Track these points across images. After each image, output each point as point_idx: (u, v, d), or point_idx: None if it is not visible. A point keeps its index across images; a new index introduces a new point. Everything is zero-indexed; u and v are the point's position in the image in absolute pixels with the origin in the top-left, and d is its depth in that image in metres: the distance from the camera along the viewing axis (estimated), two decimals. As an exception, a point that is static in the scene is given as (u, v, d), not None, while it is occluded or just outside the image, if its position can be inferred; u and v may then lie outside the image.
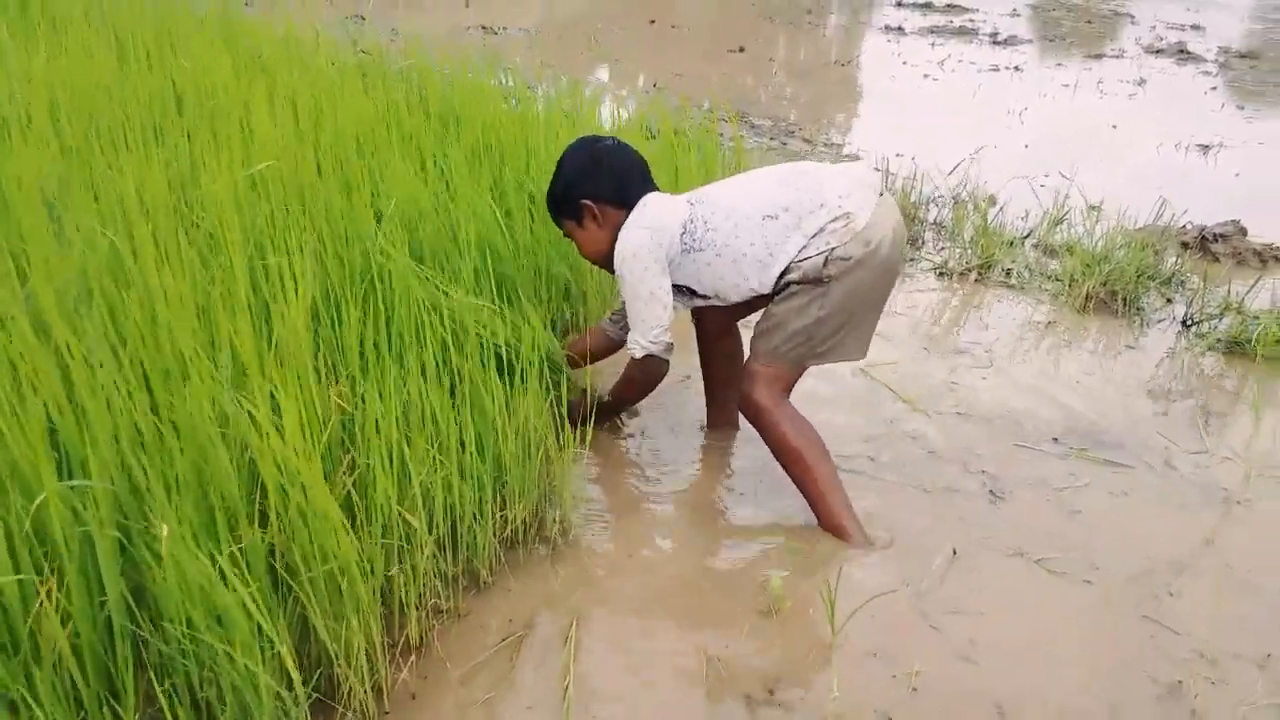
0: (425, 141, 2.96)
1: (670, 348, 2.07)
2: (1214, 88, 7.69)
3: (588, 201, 2.03)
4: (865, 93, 7.18)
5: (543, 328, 2.13)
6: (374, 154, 2.74)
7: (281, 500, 1.41)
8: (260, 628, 1.31)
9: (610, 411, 2.32)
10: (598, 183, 2.03)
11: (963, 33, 9.96)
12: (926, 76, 7.59)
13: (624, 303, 2.06)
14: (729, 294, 2.02)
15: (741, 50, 8.01)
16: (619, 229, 2.03)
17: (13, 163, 2.23)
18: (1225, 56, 9.06)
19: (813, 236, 1.89)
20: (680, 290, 2.07)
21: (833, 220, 1.89)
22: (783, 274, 1.93)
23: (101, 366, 1.44)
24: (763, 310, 2.04)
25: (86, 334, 1.52)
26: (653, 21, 9.19)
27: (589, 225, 2.06)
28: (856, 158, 5.12)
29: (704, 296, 2.07)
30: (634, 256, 1.97)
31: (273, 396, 1.58)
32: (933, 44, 9.18)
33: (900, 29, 9.98)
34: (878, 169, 4.50)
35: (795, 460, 2.00)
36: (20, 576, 1.20)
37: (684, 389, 2.58)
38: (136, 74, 3.16)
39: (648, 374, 2.12)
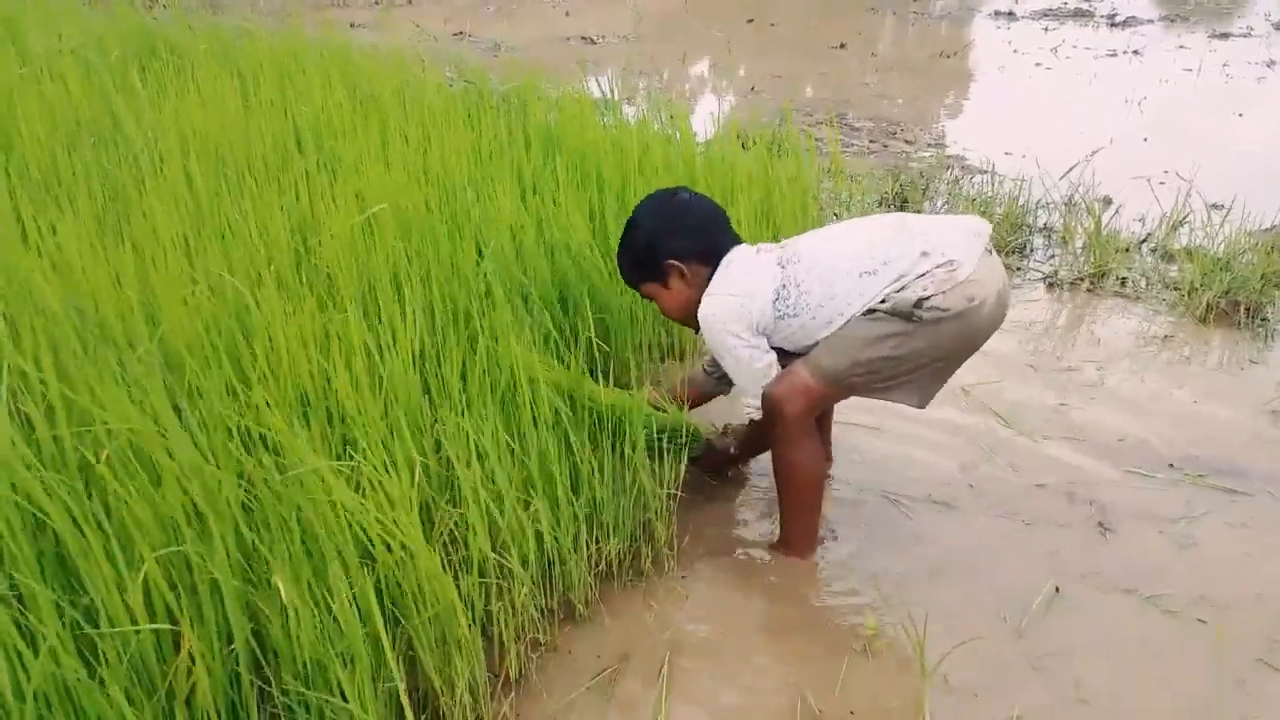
0: (525, 171, 3.06)
1: None
2: (1355, 65, 7.18)
3: (674, 261, 1.95)
4: (973, 86, 6.98)
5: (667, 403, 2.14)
6: (480, 188, 2.84)
7: (386, 553, 1.50)
8: (379, 664, 1.41)
9: (739, 461, 2.33)
10: (683, 239, 1.95)
11: (1078, 15, 9.58)
12: (1039, 65, 7.33)
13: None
14: (818, 338, 1.93)
15: (843, 46, 7.90)
16: (706, 286, 1.96)
17: (148, 206, 2.41)
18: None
19: (915, 279, 1.79)
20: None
21: (937, 266, 1.79)
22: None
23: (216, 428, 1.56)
24: None
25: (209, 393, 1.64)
26: (750, 20, 9.13)
27: (675, 285, 1.98)
28: (962, 158, 5.00)
29: (796, 354, 1.98)
30: (723, 324, 1.89)
31: (384, 445, 1.68)
32: (1046, 29, 8.86)
33: (1011, 14, 9.67)
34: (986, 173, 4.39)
35: (800, 486, 1.96)
36: (158, 626, 1.32)
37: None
38: (259, 115, 3.35)
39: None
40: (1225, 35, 8.48)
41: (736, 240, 2.01)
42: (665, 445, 2.05)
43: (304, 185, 2.68)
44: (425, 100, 3.61)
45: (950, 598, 1.94)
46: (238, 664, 1.39)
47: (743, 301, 1.88)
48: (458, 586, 1.60)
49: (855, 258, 1.85)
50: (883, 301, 1.82)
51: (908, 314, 1.80)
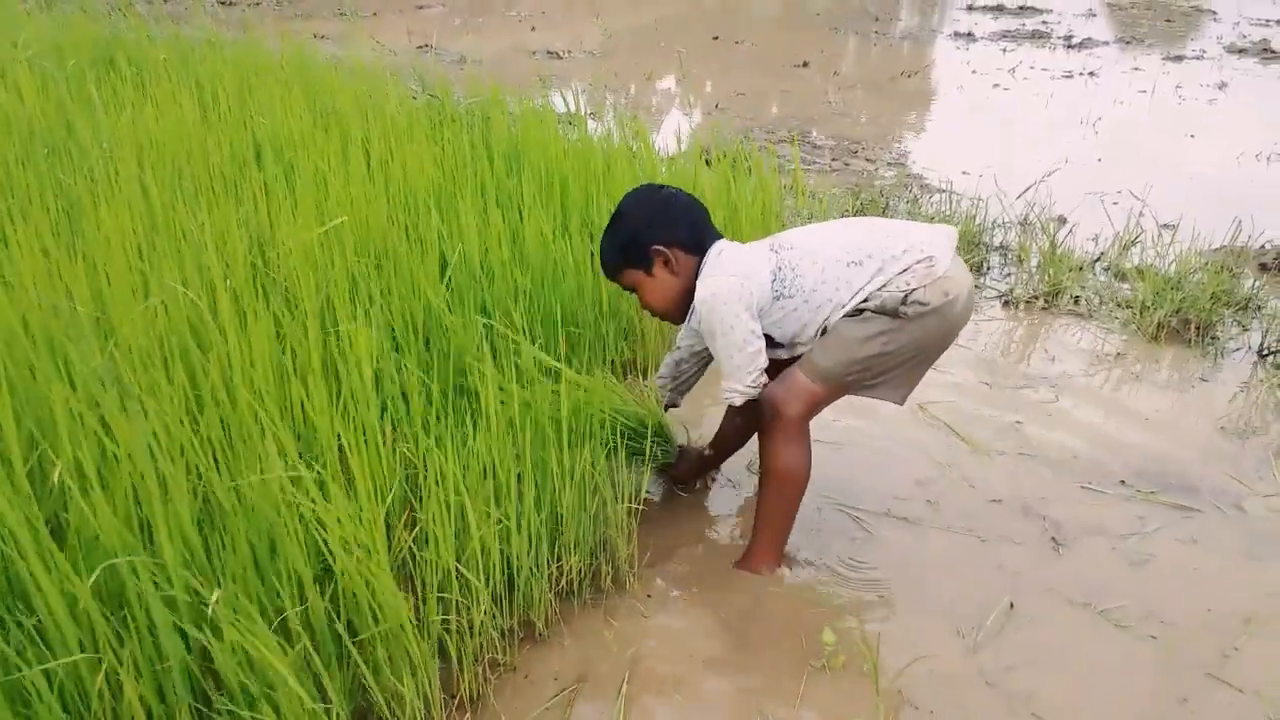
0: (489, 184, 3.05)
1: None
2: (1301, 89, 7.39)
3: (660, 247, 1.96)
4: (932, 106, 7.08)
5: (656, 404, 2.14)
6: (442, 201, 2.83)
7: (346, 564, 1.48)
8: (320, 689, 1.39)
9: (713, 465, 2.36)
10: (670, 228, 1.98)
11: (1035, 36, 9.75)
12: (996, 86, 7.45)
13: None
14: (804, 337, 1.97)
15: (805, 65, 7.98)
16: (691, 277, 1.99)
17: (102, 219, 2.37)
18: (1315, 54, 8.69)
19: (896, 275, 1.86)
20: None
21: (917, 261, 1.86)
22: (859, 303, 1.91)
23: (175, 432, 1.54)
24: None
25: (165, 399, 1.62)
26: (716, 38, 9.21)
27: (659, 273, 1.99)
28: (921, 177, 5.07)
29: (779, 346, 2.02)
30: (724, 303, 1.89)
31: (340, 452, 1.67)
32: (1004, 50, 9.01)
33: (970, 35, 9.81)
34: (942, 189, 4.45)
35: (788, 490, 1.98)
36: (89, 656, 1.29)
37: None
38: (218, 127, 3.32)
39: (750, 422, 2.14)
40: (1179, 58, 8.68)
41: (719, 235, 2.04)
42: (653, 450, 2.08)
43: (262, 198, 2.65)
44: (387, 112, 3.60)
45: (908, 612, 1.96)
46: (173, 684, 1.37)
47: (742, 280, 1.90)
48: (417, 605, 1.58)
49: (842, 247, 1.92)
50: (866, 300, 1.88)
51: (894, 310, 1.86)
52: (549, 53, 7.91)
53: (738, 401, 1.98)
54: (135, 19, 5.55)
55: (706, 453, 2.28)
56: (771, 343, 2.00)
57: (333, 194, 2.65)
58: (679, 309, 2.06)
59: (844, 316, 1.91)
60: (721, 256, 1.97)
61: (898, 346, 1.90)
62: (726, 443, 2.27)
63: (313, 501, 1.47)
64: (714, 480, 2.39)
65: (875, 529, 2.23)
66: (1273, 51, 8.73)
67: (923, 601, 1.99)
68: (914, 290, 1.84)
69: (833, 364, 1.92)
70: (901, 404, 2.02)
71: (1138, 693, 1.77)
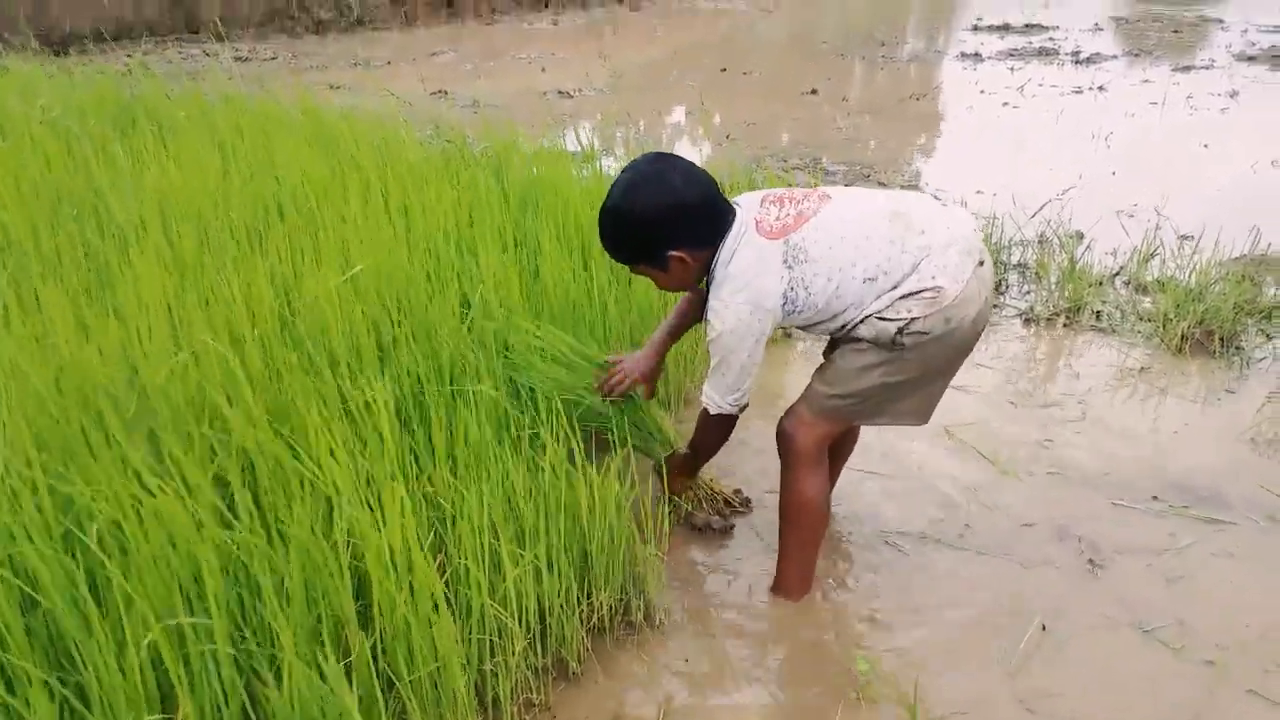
0: (506, 226, 3.09)
1: (745, 408, 2.02)
2: (1313, 94, 7.37)
3: (677, 253, 1.87)
4: (942, 127, 7.11)
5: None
6: (462, 245, 2.87)
7: (388, 602, 1.49)
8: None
9: (691, 470, 2.33)
10: (686, 230, 1.87)
11: (1043, 54, 9.79)
12: (1006, 105, 7.48)
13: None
14: (818, 331, 1.95)
15: (814, 92, 8.04)
16: (707, 262, 1.90)
17: (131, 276, 2.43)
18: (1325, 59, 8.67)
19: (899, 299, 1.81)
20: None
21: (923, 289, 1.80)
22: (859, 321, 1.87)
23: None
24: (825, 357, 2.03)
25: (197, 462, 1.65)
26: (724, 70, 9.30)
27: (675, 269, 1.90)
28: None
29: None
30: (732, 333, 1.85)
31: (368, 506, 1.69)
32: (1012, 69, 9.05)
33: (977, 55, 9.87)
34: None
35: (806, 520, 1.98)
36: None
37: (765, 466, 2.60)
38: (239, 181, 3.39)
39: (724, 430, 2.10)
40: (1188, 68, 8.69)
41: (729, 208, 1.91)
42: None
43: (285, 248, 2.70)
44: (405, 158, 3.66)
45: (944, 639, 1.94)
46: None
47: (752, 309, 1.84)
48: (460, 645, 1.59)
49: (859, 260, 1.82)
50: (865, 330, 1.84)
51: (890, 344, 1.83)
52: (560, 92, 8.01)
53: (713, 411, 1.98)
54: (154, 78, 5.68)
55: (686, 452, 2.24)
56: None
57: (354, 243, 2.69)
58: (693, 286, 2.02)
59: (844, 345, 1.91)
60: (731, 271, 1.87)
61: (902, 377, 1.87)
62: (703, 436, 2.16)
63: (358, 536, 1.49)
64: (737, 514, 2.38)
65: (908, 553, 2.22)
66: (1282, 58, 8.72)
67: (958, 627, 1.98)
68: (914, 320, 1.79)
69: (834, 397, 1.90)
70: (924, 424, 2.00)
71: (1179, 714, 1.75)
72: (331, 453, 1.75)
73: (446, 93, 7.82)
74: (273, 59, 9.74)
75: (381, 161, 3.70)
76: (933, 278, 1.79)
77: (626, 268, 2.04)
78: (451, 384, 2.27)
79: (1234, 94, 7.51)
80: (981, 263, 1.85)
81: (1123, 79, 8.35)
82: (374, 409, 1.82)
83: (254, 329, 2.29)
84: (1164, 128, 6.60)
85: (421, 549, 1.53)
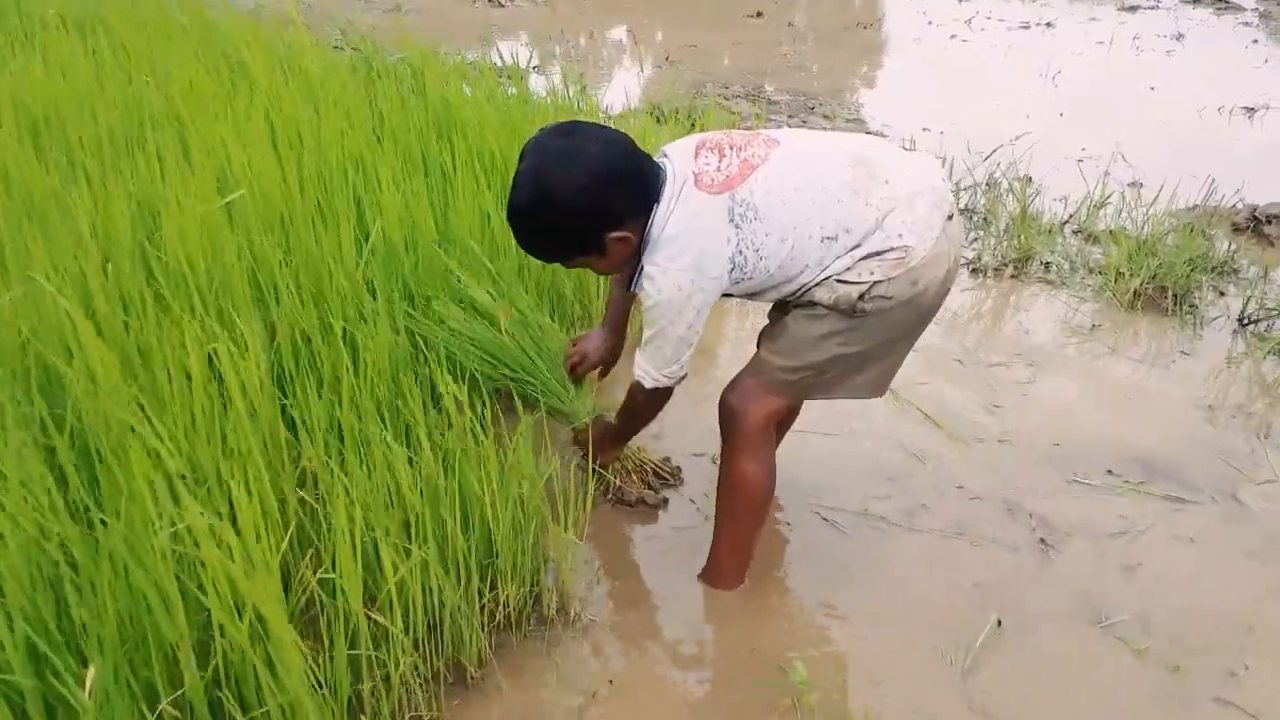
0: (415, 149, 2.76)
1: (683, 379, 1.77)
2: (1255, 40, 7.28)
3: (615, 234, 1.59)
4: (889, 58, 6.85)
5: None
6: (362, 170, 2.53)
7: (233, 627, 1.23)
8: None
9: (620, 442, 2.07)
10: (623, 203, 1.58)
11: (990, -15, 9.53)
12: (954, 37, 7.23)
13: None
14: (768, 298, 1.71)
15: (759, 15, 7.67)
16: (641, 232, 1.61)
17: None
18: (1266, 5, 8.59)
19: (861, 259, 1.57)
20: None
21: (889, 249, 1.56)
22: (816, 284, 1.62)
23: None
24: (773, 319, 1.79)
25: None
26: (666, -14, 8.83)
27: (613, 248, 1.61)
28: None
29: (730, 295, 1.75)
30: (670, 303, 1.60)
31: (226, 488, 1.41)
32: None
33: (925, -16, 9.55)
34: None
35: (749, 502, 1.76)
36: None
37: (699, 427, 2.37)
38: (110, 86, 2.96)
39: (656, 403, 1.84)
40: (1134, 8, 8.52)
41: (655, 168, 1.63)
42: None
43: (151, 168, 2.34)
44: (304, 68, 3.26)
45: (888, 634, 1.76)
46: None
47: (693, 276, 1.58)
48: (318, 662, 1.34)
49: (818, 212, 1.57)
50: (823, 293, 1.60)
51: (850, 310, 1.60)
52: (490, 0, 7.50)
53: (648, 384, 1.73)
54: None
55: (615, 421, 1.99)
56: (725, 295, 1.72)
57: (235, 162, 2.34)
58: (630, 264, 1.70)
59: (796, 309, 1.67)
60: (669, 234, 1.59)
61: (862, 346, 1.64)
62: (629, 411, 1.91)
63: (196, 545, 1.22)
64: (668, 487, 2.15)
65: (849, 533, 2.03)
66: (1226, 2, 8.61)
67: (905, 620, 1.80)
68: (877, 284, 1.56)
69: (785, 369, 1.67)
70: (879, 396, 1.78)
71: (1138, 716, 1.61)
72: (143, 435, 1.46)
73: (366, -3, 7.25)
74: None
75: (281, 69, 3.30)
76: (899, 235, 1.55)
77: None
78: (345, 337, 1.97)
79: (1179, 36, 7.37)
80: (950, 216, 1.60)
81: (1069, 16, 8.15)
82: (234, 364, 1.53)
83: (106, 264, 1.95)
84: (1111, 68, 6.45)
85: (276, 553, 1.26)
